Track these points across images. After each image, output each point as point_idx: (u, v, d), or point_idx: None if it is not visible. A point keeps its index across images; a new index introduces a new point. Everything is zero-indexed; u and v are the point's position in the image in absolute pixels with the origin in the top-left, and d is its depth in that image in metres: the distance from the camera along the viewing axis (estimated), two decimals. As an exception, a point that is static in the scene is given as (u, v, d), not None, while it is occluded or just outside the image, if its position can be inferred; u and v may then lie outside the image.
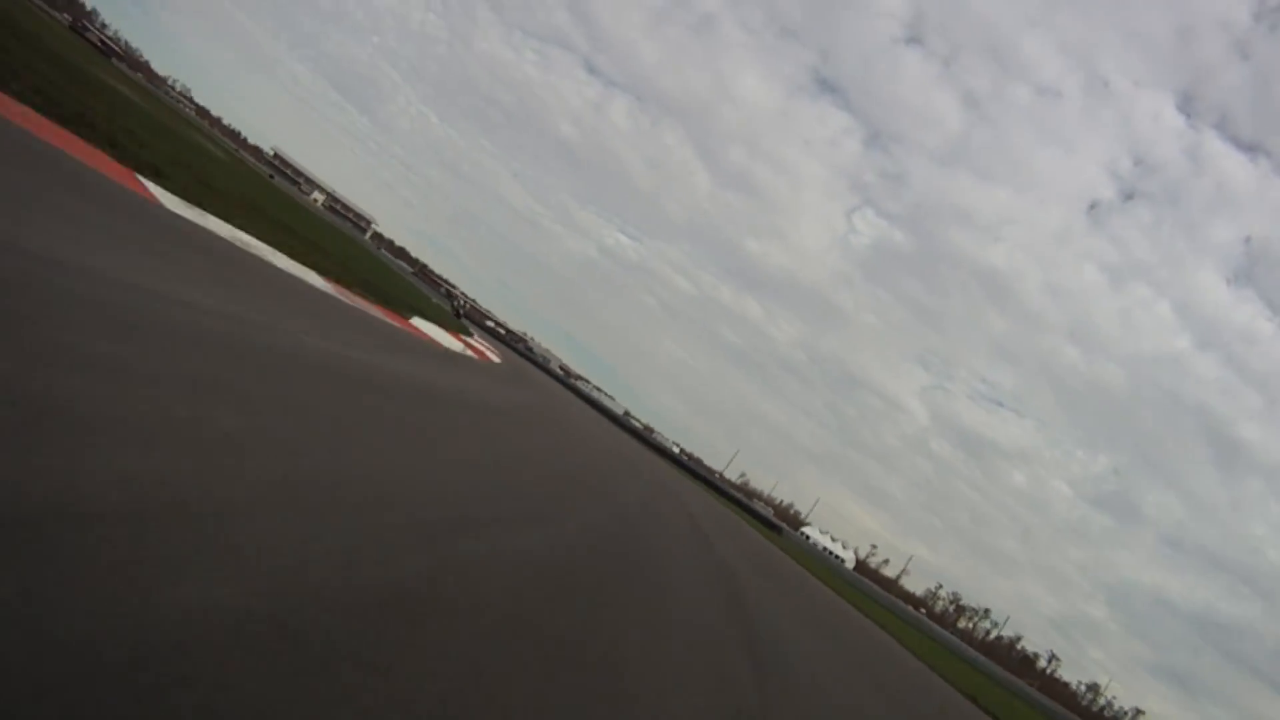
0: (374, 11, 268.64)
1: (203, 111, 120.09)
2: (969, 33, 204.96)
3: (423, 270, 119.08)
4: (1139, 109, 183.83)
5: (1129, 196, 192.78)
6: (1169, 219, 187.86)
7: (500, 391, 15.61)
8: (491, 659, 3.19)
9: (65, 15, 73.56)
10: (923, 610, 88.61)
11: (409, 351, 11.37)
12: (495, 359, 26.06)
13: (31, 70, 10.77)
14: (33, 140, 7.11)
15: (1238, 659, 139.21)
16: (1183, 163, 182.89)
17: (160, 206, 8.93)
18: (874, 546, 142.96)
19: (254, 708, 1.94)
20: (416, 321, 15.97)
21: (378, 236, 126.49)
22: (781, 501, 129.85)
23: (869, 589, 65.98)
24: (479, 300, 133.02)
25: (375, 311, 13.02)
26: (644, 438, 75.32)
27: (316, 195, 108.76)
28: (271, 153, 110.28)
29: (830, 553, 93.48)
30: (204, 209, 10.61)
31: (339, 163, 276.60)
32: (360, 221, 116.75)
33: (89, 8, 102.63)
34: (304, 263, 11.84)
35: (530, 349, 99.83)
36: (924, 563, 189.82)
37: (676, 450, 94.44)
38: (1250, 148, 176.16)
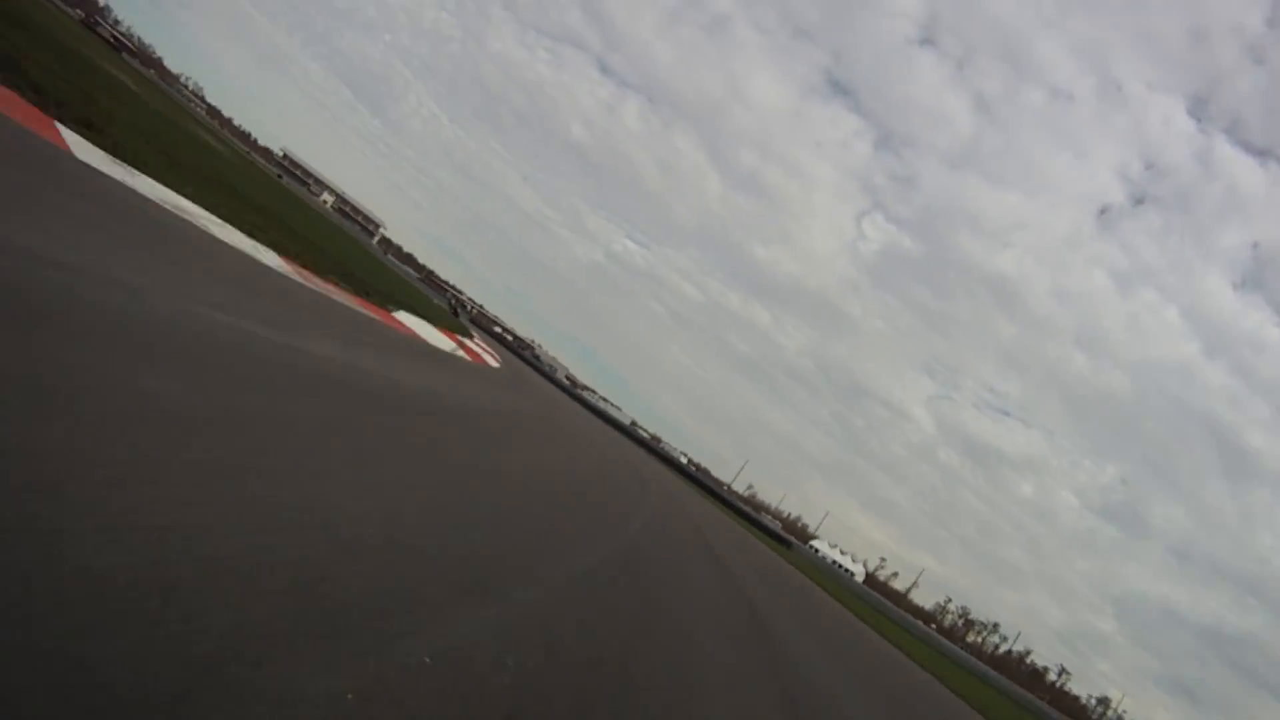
0: (387, 9, 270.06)
1: (214, 111, 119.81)
2: (983, 34, 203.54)
3: (429, 276, 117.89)
4: (1151, 113, 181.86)
5: (1139, 201, 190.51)
6: (1178, 224, 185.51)
7: (491, 396, 13.79)
8: None
9: (78, 11, 73.19)
10: (933, 625, 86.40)
11: (382, 347, 9.57)
12: (493, 363, 24.22)
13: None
14: None
15: (1246, 671, 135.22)
16: (1193, 167, 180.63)
17: (72, 158, 7.24)
18: (883, 559, 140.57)
19: None
20: (402, 316, 14.17)
21: (386, 241, 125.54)
22: (789, 514, 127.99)
23: (880, 603, 64.11)
24: (486, 306, 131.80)
25: (349, 301, 11.23)
26: (651, 447, 73.30)
27: (326, 197, 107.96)
28: (281, 153, 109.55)
29: (840, 566, 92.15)
30: (136, 168, 8.90)
31: (349, 164, 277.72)
32: (369, 225, 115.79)
33: (102, 4, 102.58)
34: (262, 240, 10.08)
35: (537, 356, 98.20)
36: (931, 574, 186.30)
37: (684, 460, 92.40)
38: (1260, 152, 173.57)
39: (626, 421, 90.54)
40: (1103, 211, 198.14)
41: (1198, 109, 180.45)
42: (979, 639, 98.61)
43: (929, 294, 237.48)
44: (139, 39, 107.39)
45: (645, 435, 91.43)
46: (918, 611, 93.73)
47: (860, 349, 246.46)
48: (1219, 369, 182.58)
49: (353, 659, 2.37)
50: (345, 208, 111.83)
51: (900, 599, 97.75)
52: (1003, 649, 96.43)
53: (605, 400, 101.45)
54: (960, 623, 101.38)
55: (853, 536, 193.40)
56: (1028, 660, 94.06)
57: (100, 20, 78.52)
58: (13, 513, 1.96)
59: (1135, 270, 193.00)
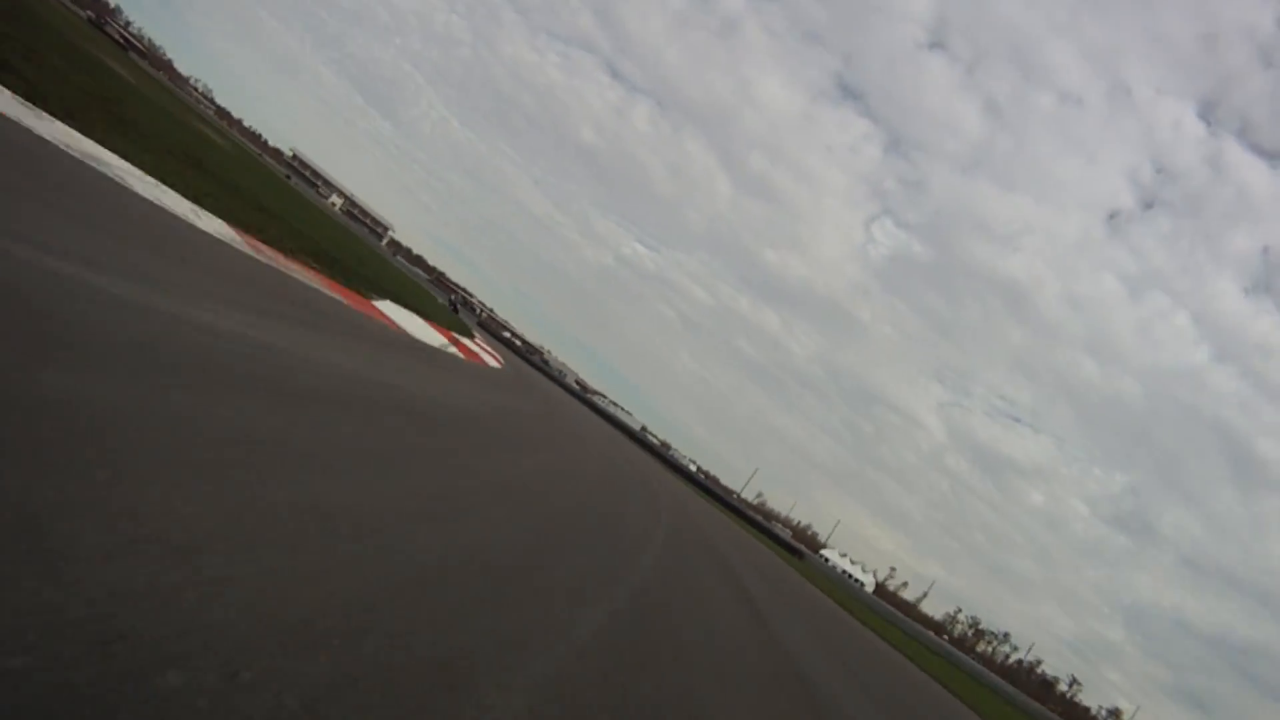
0: (399, 13, 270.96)
1: (223, 112, 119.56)
2: (993, 39, 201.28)
3: (439, 278, 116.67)
4: (1160, 116, 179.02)
5: (1148, 205, 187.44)
6: (1188, 228, 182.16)
7: (486, 397, 12.13)
8: None
9: (88, 12, 72.71)
10: (946, 637, 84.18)
11: (349, 335, 7.92)
12: (494, 363, 22.54)
13: None
14: None
15: (1257, 681, 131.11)
16: (1203, 171, 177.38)
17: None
18: (893, 569, 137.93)
19: None
20: (385, 306, 12.53)
21: (395, 243, 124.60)
22: (799, 523, 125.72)
23: (890, 614, 62.08)
24: (496, 310, 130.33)
25: (316, 282, 9.60)
26: (661, 455, 71.36)
27: (334, 199, 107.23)
28: (290, 154, 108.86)
29: (850, 576, 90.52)
30: (56, 117, 7.35)
31: (359, 166, 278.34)
32: (377, 227, 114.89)
33: (113, 5, 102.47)
34: (209, 207, 8.47)
35: (546, 361, 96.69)
36: (941, 583, 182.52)
37: (694, 468, 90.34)
38: (1271, 156, 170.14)
39: (637, 427, 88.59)
40: (1112, 216, 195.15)
41: (1208, 112, 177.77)
42: (989, 649, 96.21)
43: (939, 299, 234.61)
44: (150, 41, 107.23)
45: (655, 442, 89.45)
46: (928, 622, 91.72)
47: (870, 354, 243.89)
48: (1229, 374, 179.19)
49: None
50: (354, 210, 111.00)
51: (910, 609, 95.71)
52: (1013, 659, 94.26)
53: (615, 405, 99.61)
54: (970, 633, 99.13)
55: (863, 546, 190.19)
56: (1038, 670, 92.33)
57: (109, 20, 78.11)
58: None
59: (1145, 275, 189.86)
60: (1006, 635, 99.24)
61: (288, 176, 77.55)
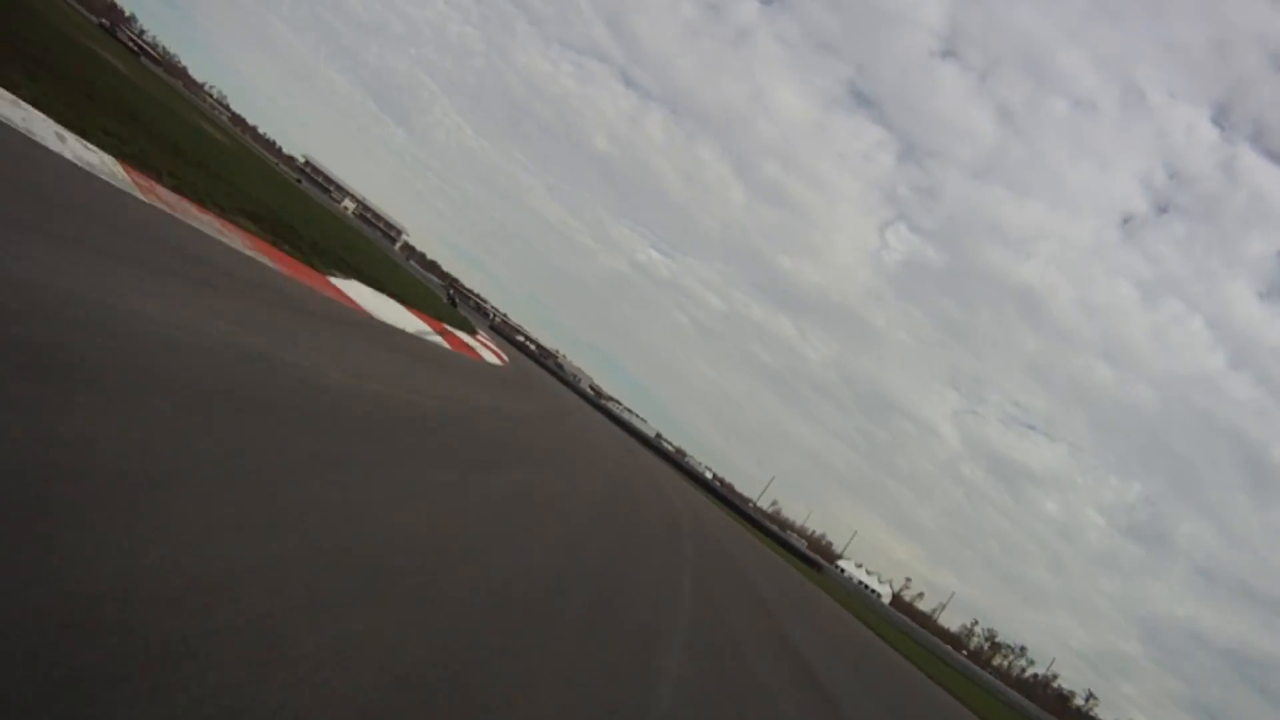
0: (413, 24, 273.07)
1: (238, 119, 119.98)
2: (1005, 46, 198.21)
3: (453, 283, 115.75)
4: (1174, 121, 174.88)
5: (1163, 210, 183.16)
6: (1202, 233, 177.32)
7: (481, 398, 10.36)
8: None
9: (103, 20, 72.60)
10: (964, 653, 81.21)
11: (266, 303, 6.16)
12: (494, 360, 20.76)
13: None
14: None
15: (1272, 696, 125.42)
16: (1217, 175, 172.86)
17: None
18: (908, 580, 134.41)
19: None
20: (346, 285, 10.74)
21: (408, 248, 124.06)
22: (814, 532, 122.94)
23: (907, 626, 59.55)
24: (510, 315, 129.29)
25: (247, 247, 7.86)
26: (677, 462, 69.31)
27: (347, 203, 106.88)
28: (303, 160, 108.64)
29: (867, 587, 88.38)
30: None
31: (373, 173, 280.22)
32: (390, 231, 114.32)
33: (128, 14, 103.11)
34: (109, 149, 6.77)
35: (560, 365, 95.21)
36: (956, 594, 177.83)
37: (709, 476, 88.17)
38: None
39: (651, 434, 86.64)
40: (1126, 221, 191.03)
41: (1221, 117, 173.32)
42: (1005, 662, 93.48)
43: (953, 305, 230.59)
44: (164, 49, 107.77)
45: (670, 449, 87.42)
46: (944, 634, 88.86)
47: (885, 361, 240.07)
48: (1245, 380, 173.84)
49: None
50: (367, 214, 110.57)
51: (926, 620, 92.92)
52: (1029, 672, 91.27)
53: (630, 411, 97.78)
54: (987, 645, 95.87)
55: (878, 556, 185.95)
56: (1054, 684, 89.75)
57: (122, 27, 78.09)
58: None
59: (1159, 280, 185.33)
60: (1023, 649, 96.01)
61: (298, 180, 76.88)
